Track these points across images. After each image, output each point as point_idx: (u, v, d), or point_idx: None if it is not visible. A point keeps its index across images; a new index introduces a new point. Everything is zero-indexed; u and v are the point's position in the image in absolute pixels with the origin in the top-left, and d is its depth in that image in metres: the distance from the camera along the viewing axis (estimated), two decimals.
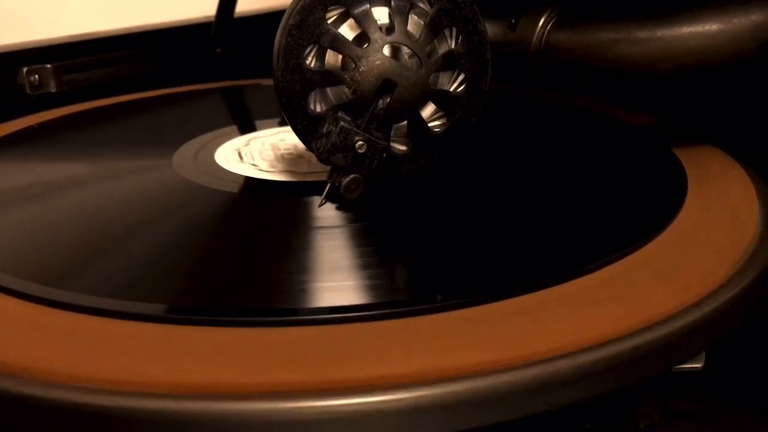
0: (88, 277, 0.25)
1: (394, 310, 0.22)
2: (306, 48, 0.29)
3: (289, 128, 0.31)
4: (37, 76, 0.49)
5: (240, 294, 0.24)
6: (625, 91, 0.44)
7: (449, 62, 0.30)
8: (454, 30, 0.30)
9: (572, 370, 0.20)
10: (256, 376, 0.20)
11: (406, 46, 0.29)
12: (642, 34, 0.33)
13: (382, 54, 0.29)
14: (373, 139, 0.29)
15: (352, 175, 0.29)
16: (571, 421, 0.24)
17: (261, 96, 0.51)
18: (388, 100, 0.29)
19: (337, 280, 0.25)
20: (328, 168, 0.30)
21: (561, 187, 0.33)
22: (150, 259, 0.27)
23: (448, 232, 0.28)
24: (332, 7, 0.29)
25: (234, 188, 0.33)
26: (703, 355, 0.24)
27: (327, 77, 0.29)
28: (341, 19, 0.29)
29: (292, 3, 0.29)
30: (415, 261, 0.27)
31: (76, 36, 0.53)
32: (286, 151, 0.38)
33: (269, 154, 0.37)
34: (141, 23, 0.57)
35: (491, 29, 0.43)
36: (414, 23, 0.30)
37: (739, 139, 0.36)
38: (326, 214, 0.30)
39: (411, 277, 0.26)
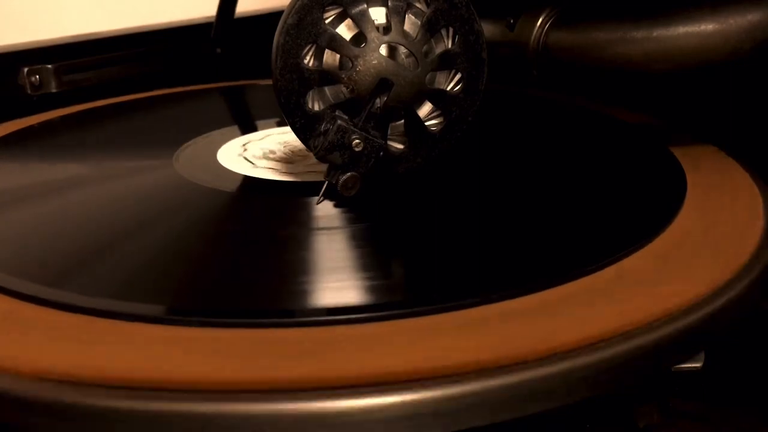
0: (87, 277, 0.25)
1: (394, 311, 0.22)
2: (304, 47, 0.29)
3: (288, 128, 0.31)
4: (37, 77, 0.49)
5: (240, 294, 0.24)
6: (623, 91, 0.44)
7: (446, 62, 0.30)
8: (451, 30, 0.30)
9: (572, 370, 0.20)
10: (256, 376, 0.20)
11: (403, 45, 0.29)
12: (639, 33, 0.34)
13: (379, 53, 0.29)
14: (370, 137, 0.29)
15: (349, 173, 0.29)
16: (571, 421, 0.24)
17: (261, 96, 0.51)
18: (385, 99, 0.29)
19: (336, 280, 0.25)
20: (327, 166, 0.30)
21: (559, 188, 0.33)
22: (150, 259, 0.27)
23: (446, 232, 0.28)
24: (330, 7, 0.29)
25: (234, 188, 0.33)
26: (702, 354, 0.24)
27: (325, 76, 0.29)
28: (339, 19, 0.30)
29: (290, 3, 0.29)
30: (414, 261, 0.27)
31: (77, 36, 0.53)
32: (285, 151, 0.38)
33: (269, 154, 0.37)
34: (141, 24, 0.57)
35: (490, 29, 0.43)
36: (411, 23, 0.30)
37: (739, 139, 0.36)
38: (326, 214, 0.30)
39: (410, 278, 0.26)
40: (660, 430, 0.25)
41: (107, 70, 0.53)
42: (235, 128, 0.42)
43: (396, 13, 0.30)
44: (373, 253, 0.27)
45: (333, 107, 0.30)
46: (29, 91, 0.49)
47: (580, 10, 0.39)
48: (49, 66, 0.50)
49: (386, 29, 0.29)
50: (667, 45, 0.33)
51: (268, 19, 0.60)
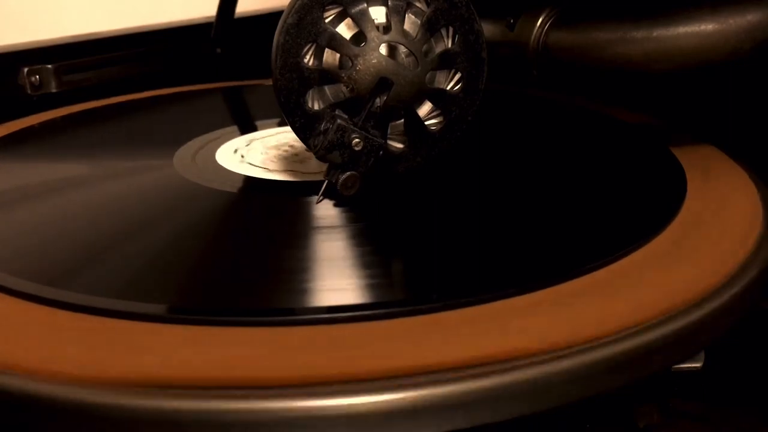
0: (88, 277, 0.25)
1: (394, 310, 0.22)
2: (304, 47, 0.29)
3: (289, 128, 0.31)
4: (37, 77, 0.49)
5: (239, 294, 0.24)
6: (623, 91, 0.44)
7: (446, 61, 0.30)
8: (451, 29, 0.30)
9: (572, 370, 0.20)
10: (256, 375, 0.20)
11: (403, 45, 0.29)
12: (638, 33, 0.34)
13: (379, 53, 0.29)
14: (370, 136, 0.29)
15: (349, 172, 0.29)
16: (571, 421, 0.24)
17: (261, 96, 0.51)
18: (385, 98, 0.29)
19: (336, 279, 0.25)
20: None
21: (559, 187, 0.33)
22: (150, 259, 0.27)
23: (445, 231, 0.28)
24: (330, 7, 0.29)
25: (234, 188, 0.33)
26: (702, 354, 0.24)
27: (324, 75, 0.30)
28: (339, 18, 0.30)
29: (290, 2, 0.29)
30: (414, 261, 0.27)
31: (77, 36, 0.53)
32: (285, 151, 0.38)
33: (269, 154, 0.37)
34: (141, 24, 0.57)
35: (490, 29, 0.43)
36: (411, 22, 0.30)
37: (739, 139, 0.36)
38: (326, 213, 0.30)
39: (410, 277, 0.26)
40: (660, 430, 0.25)
41: (107, 70, 0.53)
42: (235, 128, 0.42)
43: (396, 13, 0.30)
44: (373, 252, 0.27)
45: (333, 106, 0.30)
46: (29, 91, 0.49)
47: (580, 10, 0.39)
48: (49, 66, 0.50)
49: (386, 28, 0.29)
50: (667, 45, 0.33)
51: (268, 19, 0.60)
